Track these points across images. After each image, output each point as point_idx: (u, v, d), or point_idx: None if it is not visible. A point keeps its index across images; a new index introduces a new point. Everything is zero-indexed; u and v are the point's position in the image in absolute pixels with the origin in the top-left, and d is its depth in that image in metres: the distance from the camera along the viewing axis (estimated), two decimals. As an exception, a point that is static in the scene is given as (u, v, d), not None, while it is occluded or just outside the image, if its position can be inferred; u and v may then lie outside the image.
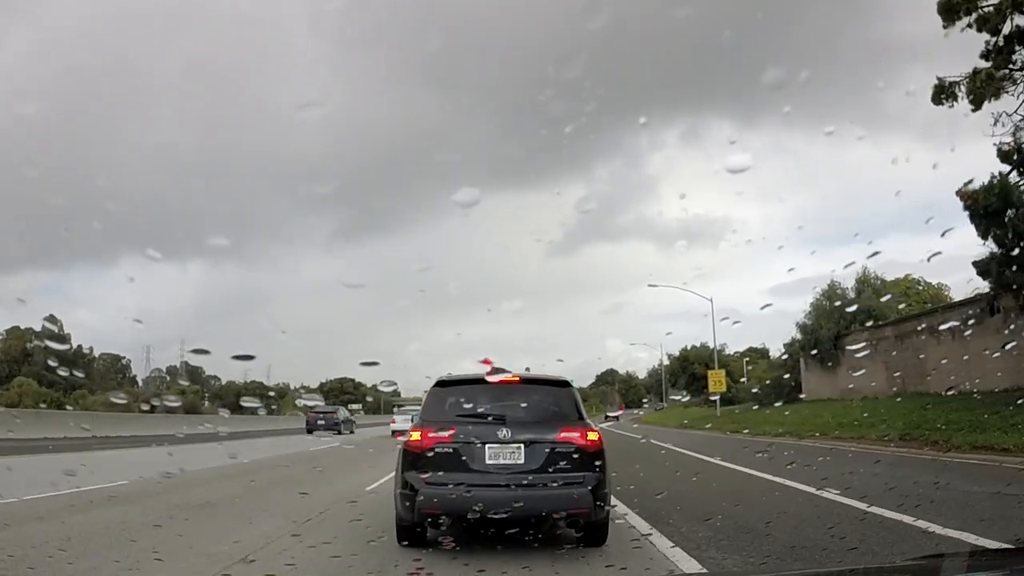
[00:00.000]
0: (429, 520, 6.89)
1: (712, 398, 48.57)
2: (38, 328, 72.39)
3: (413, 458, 6.83)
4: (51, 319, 64.37)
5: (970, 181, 19.11)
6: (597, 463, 6.79)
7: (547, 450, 6.77)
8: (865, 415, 24.30)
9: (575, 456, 6.76)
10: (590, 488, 6.63)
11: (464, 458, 6.72)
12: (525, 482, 6.63)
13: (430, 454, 6.76)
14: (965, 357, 23.62)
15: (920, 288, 46.30)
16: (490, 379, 6.97)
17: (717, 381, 46.70)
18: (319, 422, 39.63)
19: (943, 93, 19.33)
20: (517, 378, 7.36)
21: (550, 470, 6.68)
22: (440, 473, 6.66)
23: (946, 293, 43.54)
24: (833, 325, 36.91)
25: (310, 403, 31.73)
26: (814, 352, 37.74)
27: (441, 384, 7.44)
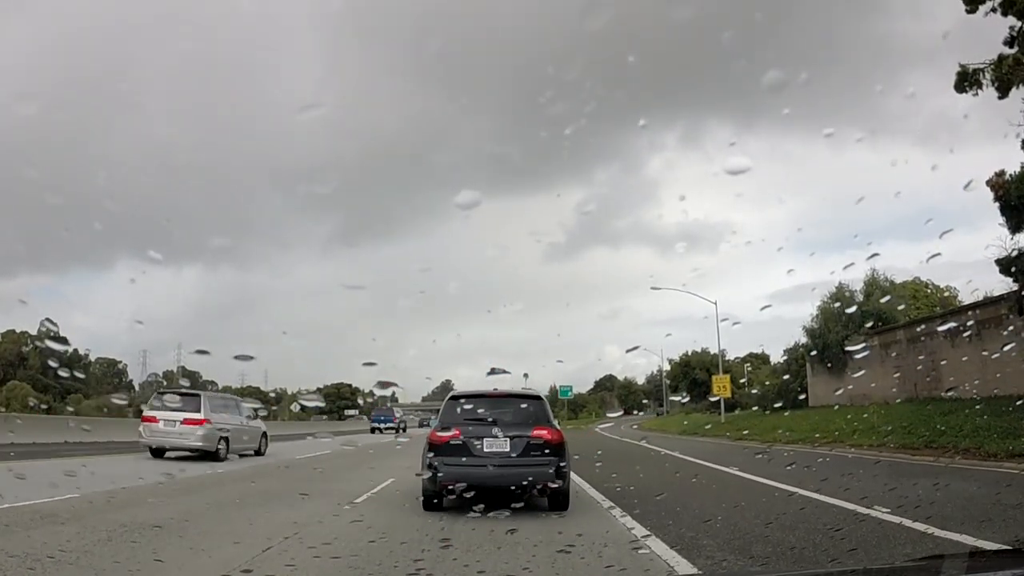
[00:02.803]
0: (446, 490, 9.50)
1: (713, 398, 48.28)
2: (34, 332, 72.13)
3: (435, 448, 9.78)
4: (49, 322, 64.23)
5: (1002, 172, 18.40)
6: (559, 451, 9.71)
7: (525, 442, 9.75)
8: (871, 419, 23.44)
9: (544, 446, 9.71)
10: (553, 468, 9.51)
11: (469, 448, 9.71)
12: (509, 464, 9.57)
13: (447, 445, 9.72)
14: (985, 355, 22.33)
15: (928, 291, 44.68)
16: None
17: (722, 386, 46.03)
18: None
19: (966, 81, 18.31)
20: (506, 393, 10.69)
21: (527, 456, 9.64)
22: (453, 458, 9.62)
23: (955, 296, 41.84)
24: (841, 328, 36.23)
25: (310, 404, 31.62)
26: (817, 355, 36.96)
27: (453, 398, 10.62)
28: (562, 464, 9.60)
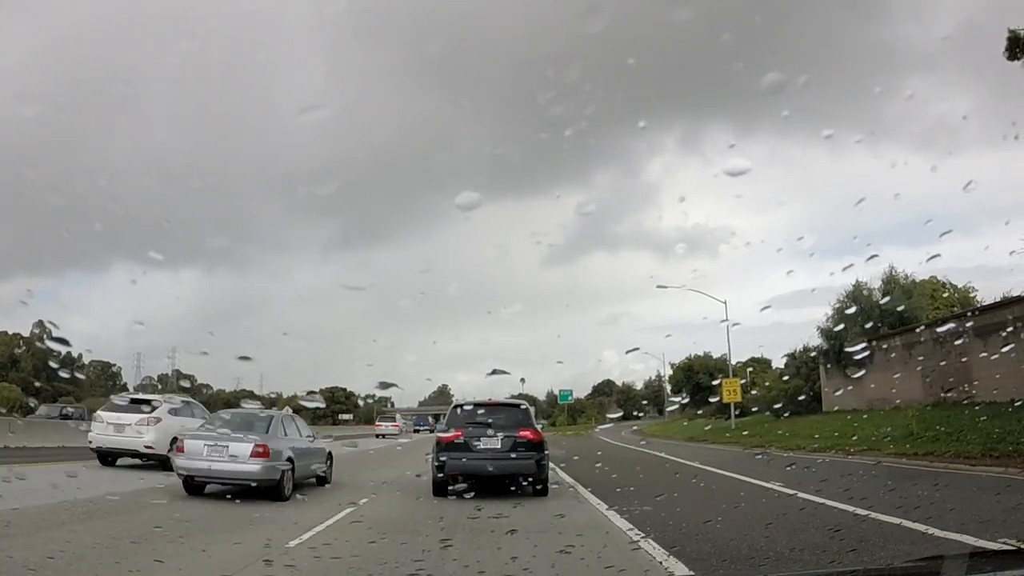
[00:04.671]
0: (450, 479, 11.79)
1: (712, 399, 47.19)
2: (26, 334, 71.59)
3: (443, 446, 12.12)
4: (53, 325, 63.78)
5: None
6: (539, 447, 12.22)
7: (512, 441, 12.12)
8: (909, 424, 20.99)
9: (527, 444, 12.16)
10: (535, 461, 11.98)
11: (469, 444, 12.07)
12: (501, 458, 11.93)
13: (451, 443, 12.06)
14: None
15: (946, 292, 40.81)
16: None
17: (732, 391, 43.21)
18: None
19: (1018, 46, 17.35)
20: (498, 402, 13.14)
21: (514, 451, 12.06)
22: (456, 453, 11.95)
23: (974, 296, 38.43)
24: (859, 329, 33.52)
25: (311, 405, 32.65)
26: (832, 357, 34.62)
27: (457, 406, 13.21)
28: (541, 458, 12.12)
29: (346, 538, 7.89)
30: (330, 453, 15.09)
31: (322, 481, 14.27)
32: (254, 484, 11.50)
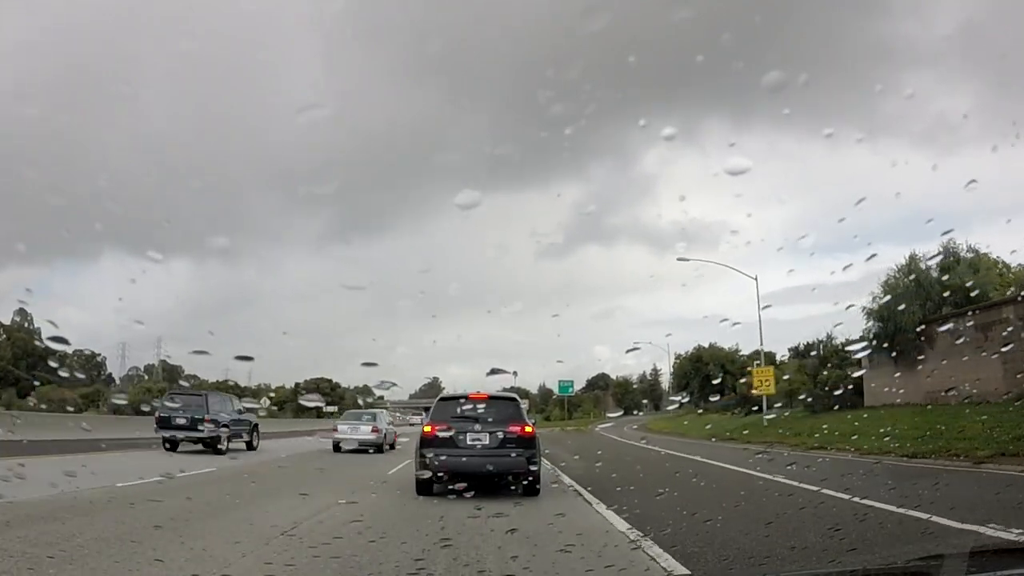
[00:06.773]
0: (436, 476, 11.23)
1: (719, 393, 45.30)
2: (7, 322, 70.57)
3: (428, 440, 11.57)
4: (20, 312, 63.42)
5: None
6: (530, 444, 11.67)
7: (502, 436, 11.64)
8: None
9: (517, 440, 11.66)
10: (525, 458, 11.47)
11: (456, 440, 11.59)
12: (489, 454, 11.40)
13: (437, 438, 11.47)
14: None
15: (1001, 271, 35.50)
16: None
17: (764, 381, 37.79)
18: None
19: None
20: (488, 395, 12.38)
21: (504, 447, 11.56)
22: (443, 448, 11.41)
23: None
24: (917, 309, 29.21)
25: (311, 404, 35.92)
26: (879, 343, 29.46)
27: (443, 399, 12.71)
28: (533, 455, 11.63)
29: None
30: (395, 432, 27.77)
31: (392, 447, 26.33)
32: (373, 445, 24.61)
